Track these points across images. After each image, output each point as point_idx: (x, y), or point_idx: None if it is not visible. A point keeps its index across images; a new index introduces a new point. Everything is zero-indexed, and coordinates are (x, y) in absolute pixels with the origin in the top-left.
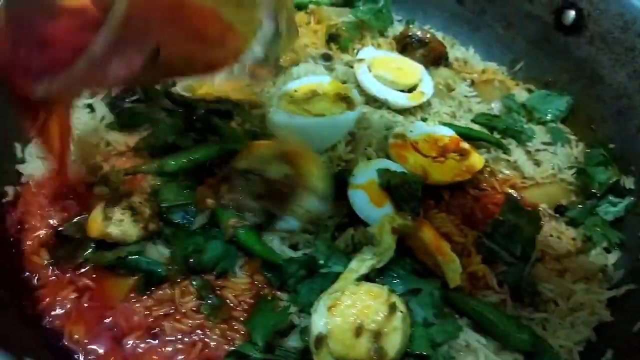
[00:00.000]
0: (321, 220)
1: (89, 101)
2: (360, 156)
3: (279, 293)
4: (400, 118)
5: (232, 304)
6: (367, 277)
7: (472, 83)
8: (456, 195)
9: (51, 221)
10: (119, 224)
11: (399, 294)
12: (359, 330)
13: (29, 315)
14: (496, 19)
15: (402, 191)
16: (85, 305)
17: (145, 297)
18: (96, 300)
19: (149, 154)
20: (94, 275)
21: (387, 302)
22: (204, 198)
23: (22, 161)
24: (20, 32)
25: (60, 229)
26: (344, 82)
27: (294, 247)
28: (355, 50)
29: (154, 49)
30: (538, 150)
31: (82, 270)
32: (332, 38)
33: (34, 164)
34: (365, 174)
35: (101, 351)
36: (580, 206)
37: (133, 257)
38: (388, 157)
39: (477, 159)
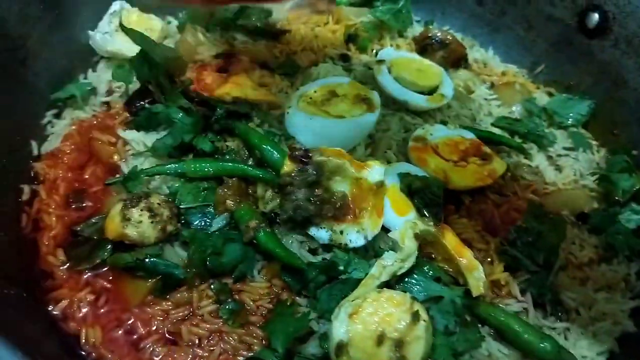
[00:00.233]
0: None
1: (106, 99)
2: (380, 159)
3: (298, 298)
4: (419, 120)
5: (250, 309)
6: (388, 284)
7: (492, 85)
8: (477, 200)
9: (67, 220)
10: (137, 225)
11: (420, 301)
12: (380, 339)
13: (45, 317)
14: (517, 21)
15: (424, 196)
16: (102, 308)
17: (163, 300)
18: (113, 303)
19: (166, 154)
20: (111, 277)
21: (410, 310)
22: (224, 200)
23: (39, 159)
24: None
25: (77, 229)
26: (363, 83)
27: (313, 251)
28: (374, 51)
29: None
30: (559, 155)
31: (99, 271)
32: (351, 38)
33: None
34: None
35: (118, 355)
36: (603, 214)
37: (151, 259)
38: (408, 160)
39: (499, 164)
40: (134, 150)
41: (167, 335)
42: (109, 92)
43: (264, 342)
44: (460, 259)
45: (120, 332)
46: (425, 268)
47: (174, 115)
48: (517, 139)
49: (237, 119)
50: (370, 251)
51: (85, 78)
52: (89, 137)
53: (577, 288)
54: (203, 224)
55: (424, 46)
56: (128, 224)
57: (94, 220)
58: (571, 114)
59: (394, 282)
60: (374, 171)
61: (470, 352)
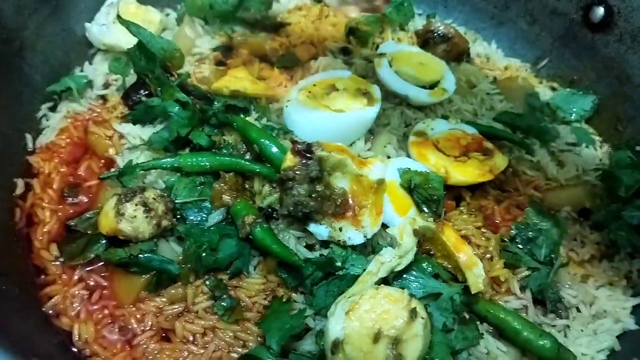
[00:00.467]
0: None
1: (103, 92)
2: (380, 154)
3: (294, 295)
4: (420, 115)
5: (245, 305)
6: (385, 280)
7: (495, 80)
8: (477, 196)
9: (62, 215)
10: (132, 220)
11: (418, 298)
12: (377, 336)
13: (38, 313)
14: (520, 15)
15: (424, 192)
16: (95, 304)
17: (157, 296)
18: (106, 299)
19: (162, 148)
20: (105, 273)
21: (408, 308)
22: (220, 194)
23: (34, 152)
24: None
25: (71, 223)
26: (363, 77)
27: (311, 247)
28: (375, 45)
29: None
30: (562, 150)
31: (93, 267)
32: (352, 32)
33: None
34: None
35: (111, 352)
36: (605, 210)
37: (145, 254)
38: (408, 155)
39: (500, 159)
40: (130, 144)
41: (161, 331)
42: (106, 85)
43: (259, 339)
44: (460, 255)
45: (113, 328)
46: (424, 264)
47: (170, 108)
48: (519, 134)
49: (235, 113)
50: (368, 247)
51: (82, 71)
52: (84, 131)
53: (578, 285)
54: (199, 219)
55: (426, 40)
56: (122, 219)
57: (88, 215)
58: (574, 109)
59: (391, 279)
60: (376, 168)
61: (468, 349)
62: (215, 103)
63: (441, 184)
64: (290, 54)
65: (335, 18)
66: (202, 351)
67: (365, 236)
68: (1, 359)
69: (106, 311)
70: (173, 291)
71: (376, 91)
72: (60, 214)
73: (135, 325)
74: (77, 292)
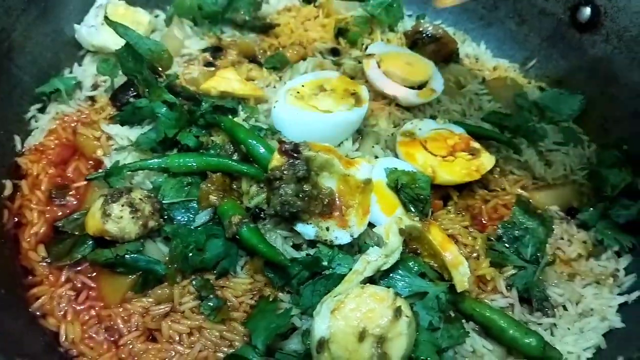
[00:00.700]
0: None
1: (91, 93)
2: (368, 154)
3: (280, 294)
4: (409, 115)
5: (232, 305)
6: (372, 279)
7: (483, 80)
8: (464, 195)
9: (49, 216)
10: (118, 221)
11: (404, 297)
12: (362, 335)
13: (24, 313)
14: (509, 15)
15: (411, 191)
16: (82, 304)
17: (143, 296)
18: (93, 300)
19: (150, 149)
20: (92, 274)
21: (393, 306)
22: (208, 195)
23: (22, 154)
24: None
25: (58, 224)
26: (352, 78)
27: (298, 247)
28: (364, 45)
29: None
30: (550, 150)
31: (80, 267)
32: (341, 32)
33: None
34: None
35: (97, 352)
36: (592, 209)
37: (132, 255)
38: (396, 155)
39: (487, 159)
40: (118, 145)
41: (147, 331)
42: (95, 87)
43: (245, 338)
44: (446, 254)
45: (100, 328)
46: (410, 263)
47: (157, 109)
48: (508, 134)
49: (223, 114)
50: (355, 247)
51: (71, 72)
52: (73, 132)
53: (565, 284)
54: (186, 219)
55: (415, 40)
56: (108, 220)
57: (75, 216)
58: (562, 109)
59: (378, 278)
60: (362, 168)
61: (454, 348)
62: (203, 104)
63: (428, 184)
64: (279, 54)
65: (325, 19)
66: (188, 351)
67: (352, 236)
68: None
69: (93, 312)
70: (159, 291)
71: (364, 92)
72: (48, 215)
73: (121, 326)
74: (64, 292)
